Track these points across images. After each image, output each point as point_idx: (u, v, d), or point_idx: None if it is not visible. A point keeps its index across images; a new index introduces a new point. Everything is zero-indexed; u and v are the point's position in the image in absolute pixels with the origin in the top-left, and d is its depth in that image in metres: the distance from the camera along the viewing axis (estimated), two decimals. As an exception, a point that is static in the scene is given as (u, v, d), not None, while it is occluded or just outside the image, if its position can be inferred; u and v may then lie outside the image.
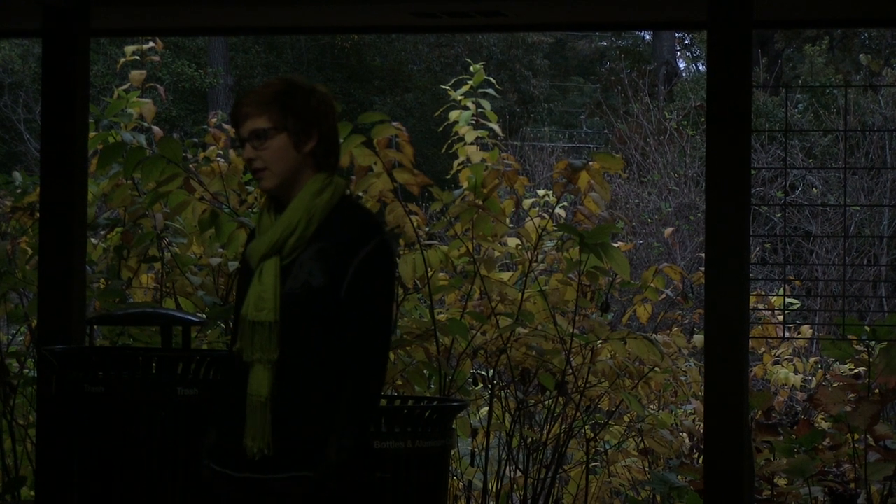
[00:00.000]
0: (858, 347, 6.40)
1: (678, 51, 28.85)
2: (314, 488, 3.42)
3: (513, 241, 7.34)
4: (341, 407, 3.43)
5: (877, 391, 6.17)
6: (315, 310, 3.45)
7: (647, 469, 7.56)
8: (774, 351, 9.32)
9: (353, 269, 3.44)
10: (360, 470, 3.44)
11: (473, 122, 7.56)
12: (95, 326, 6.90)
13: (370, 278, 3.46)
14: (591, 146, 22.84)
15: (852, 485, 6.27)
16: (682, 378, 7.63)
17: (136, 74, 7.82)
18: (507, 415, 7.08)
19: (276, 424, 3.45)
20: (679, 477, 6.67)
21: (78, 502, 5.32)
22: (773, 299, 8.94)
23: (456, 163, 7.43)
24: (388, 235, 3.54)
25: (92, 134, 7.08)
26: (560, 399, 6.88)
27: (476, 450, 7.03)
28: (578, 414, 7.00)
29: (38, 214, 6.94)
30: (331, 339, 3.46)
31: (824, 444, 6.32)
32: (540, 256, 7.22)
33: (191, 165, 7.24)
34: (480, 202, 6.81)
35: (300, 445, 3.45)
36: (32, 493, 6.87)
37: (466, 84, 7.65)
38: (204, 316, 6.65)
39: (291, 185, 3.53)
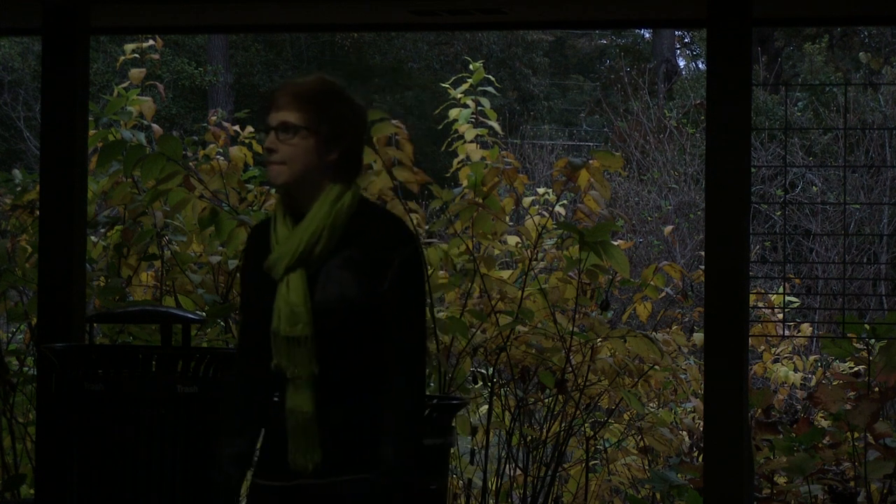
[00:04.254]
0: (858, 345, 6.40)
1: (678, 49, 28.83)
2: (373, 490, 3.34)
3: (512, 239, 7.34)
4: (393, 416, 3.35)
5: (876, 389, 6.17)
6: (352, 321, 3.37)
7: (646, 467, 7.56)
8: (774, 349, 9.32)
9: (389, 282, 3.37)
10: (417, 471, 3.37)
11: (473, 119, 7.55)
12: (95, 324, 6.89)
13: (407, 289, 3.39)
14: (591, 144, 22.82)
15: (852, 483, 6.27)
16: (682, 376, 7.64)
17: (136, 72, 7.83)
18: (506, 413, 7.08)
19: (325, 436, 3.37)
20: (679, 475, 6.66)
21: (77, 500, 5.31)
22: (773, 297, 8.94)
23: (456, 161, 7.42)
24: (417, 240, 3.46)
25: (92, 132, 7.08)
26: (560, 397, 6.88)
27: (476, 448, 7.03)
28: (578, 412, 7.00)
29: (37, 212, 6.93)
30: (370, 350, 3.40)
31: (824, 442, 6.32)
32: (540, 254, 7.22)
33: (190, 163, 7.25)
34: (480, 200, 6.80)
35: (352, 452, 3.38)
36: (32, 491, 6.86)
37: (466, 82, 7.65)
38: (204, 314, 6.65)
39: (306, 190, 3.42)
